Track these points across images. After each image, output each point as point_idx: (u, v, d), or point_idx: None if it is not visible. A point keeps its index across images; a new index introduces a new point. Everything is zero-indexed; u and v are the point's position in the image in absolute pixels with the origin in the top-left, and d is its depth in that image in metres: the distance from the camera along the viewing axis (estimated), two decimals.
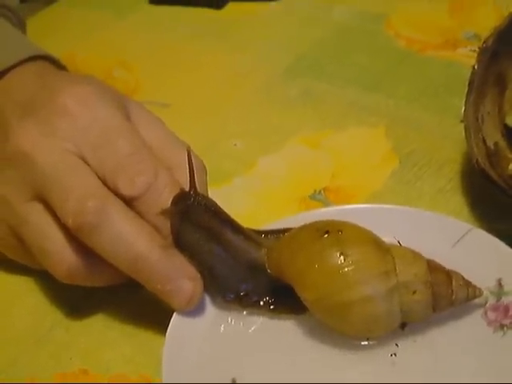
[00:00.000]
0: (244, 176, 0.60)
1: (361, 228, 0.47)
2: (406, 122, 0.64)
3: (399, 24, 0.75)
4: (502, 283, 0.48)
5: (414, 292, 0.45)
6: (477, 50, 0.55)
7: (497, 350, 0.45)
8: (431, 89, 0.67)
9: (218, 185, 0.58)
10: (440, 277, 0.46)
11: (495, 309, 0.47)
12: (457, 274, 0.47)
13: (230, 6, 0.79)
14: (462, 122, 0.57)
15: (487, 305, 0.47)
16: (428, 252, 0.47)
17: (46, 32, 0.74)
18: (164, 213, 0.47)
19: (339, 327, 0.46)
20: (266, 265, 0.48)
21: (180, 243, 0.47)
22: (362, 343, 0.46)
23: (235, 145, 0.63)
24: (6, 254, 0.53)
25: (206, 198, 0.48)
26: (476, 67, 0.54)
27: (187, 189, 0.48)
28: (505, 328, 0.46)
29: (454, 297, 0.46)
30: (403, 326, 0.46)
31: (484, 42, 0.54)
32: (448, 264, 0.47)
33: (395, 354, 0.46)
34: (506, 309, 0.47)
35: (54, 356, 0.49)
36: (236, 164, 0.61)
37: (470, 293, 0.47)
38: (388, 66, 0.70)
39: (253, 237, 0.48)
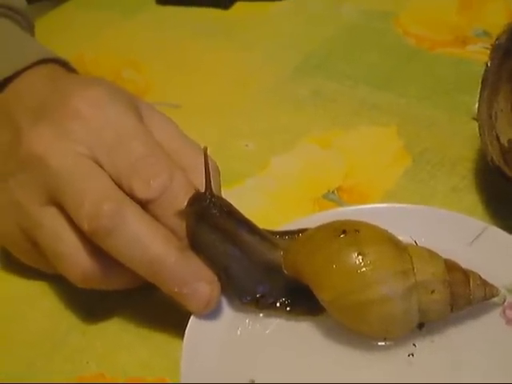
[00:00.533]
0: (256, 177, 0.60)
1: (377, 227, 0.47)
2: (417, 121, 0.64)
3: (408, 22, 0.75)
4: None
5: (433, 291, 0.45)
6: (489, 47, 0.55)
7: None
8: (441, 87, 0.67)
9: (231, 186, 0.58)
10: (458, 276, 0.46)
11: None
12: (474, 273, 0.47)
13: (237, 6, 0.79)
14: (473, 119, 0.57)
15: (505, 303, 0.47)
16: (444, 251, 0.47)
17: (53, 33, 0.73)
18: (180, 214, 0.47)
19: (357, 327, 0.46)
20: (283, 265, 0.47)
21: (196, 245, 0.47)
22: (380, 343, 0.46)
23: (247, 145, 0.63)
24: (20, 258, 0.53)
25: (221, 199, 0.48)
26: (489, 64, 0.54)
27: (202, 190, 0.48)
28: None
29: (471, 296, 0.46)
30: (421, 325, 0.46)
31: (497, 39, 0.54)
32: (465, 263, 0.47)
33: (413, 355, 0.46)
34: None
35: (71, 360, 0.49)
36: (248, 165, 0.61)
37: (488, 292, 0.46)
38: (398, 64, 0.70)
39: (269, 238, 0.48)
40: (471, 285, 0.46)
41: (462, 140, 0.61)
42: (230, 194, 0.51)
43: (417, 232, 0.49)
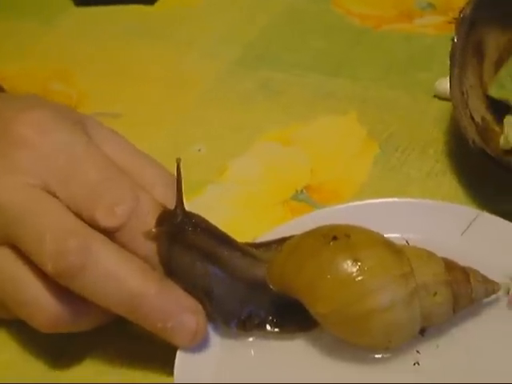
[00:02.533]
0: (216, 183, 0.55)
1: (368, 230, 0.44)
2: (377, 104, 0.60)
3: (347, 1, 0.71)
4: None
5: (435, 294, 0.42)
6: (453, 20, 0.52)
7: None
8: (395, 65, 0.63)
9: (191, 196, 0.53)
10: (458, 275, 0.43)
11: None
12: (473, 270, 0.44)
13: (162, 1, 0.74)
14: (435, 97, 0.54)
15: (510, 293, 0.44)
16: (437, 245, 0.44)
17: None
18: (150, 238, 0.43)
19: (357, 339, 0.43)
20: (268, 280, 0.44)
21: (172, 269, 0.43)
22: (381, 355, 0.43)
23: (199, 150, 0.58)
24: None
25: (194, 214, 0.44)
26: (456, 39, 0.51)
27: (169, 207, 0.44)
28: None
29: (473, 295, 0.43)
30: (422, 331, 0.43)
31: (461, 12, 0.51)
32: (460, 256, 0.44)
33: (418, 363, 0.43)
34: None
35: None
36: (205, 171, 0.56)
37: (489, 289, 0.44)
38: (346, 47, 0.66)
39: (250, 252, 0.45)
40: (472, 283, 0.43)
41: (428, 121, 0.58)
42: (192, 206, 0.46)
43: (404, 228, 0.47)
